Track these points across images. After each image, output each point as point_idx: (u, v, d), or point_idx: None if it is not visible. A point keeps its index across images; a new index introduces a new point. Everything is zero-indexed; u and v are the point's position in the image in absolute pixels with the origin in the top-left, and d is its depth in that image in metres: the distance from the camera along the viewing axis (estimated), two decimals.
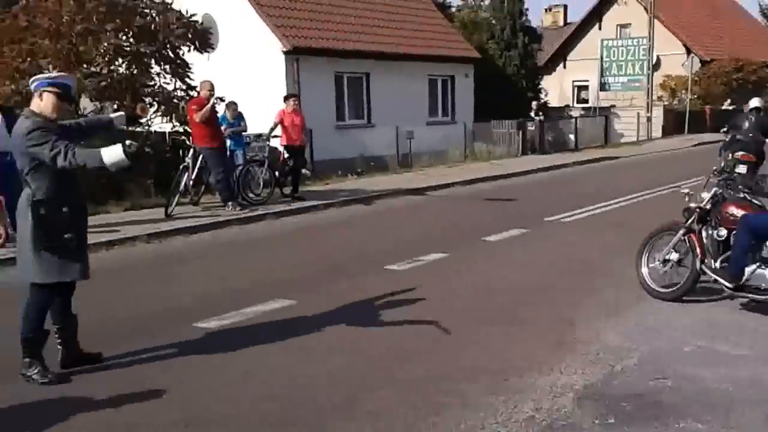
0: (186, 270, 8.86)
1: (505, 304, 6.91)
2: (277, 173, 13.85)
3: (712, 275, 6.66)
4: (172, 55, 15.20)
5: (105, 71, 14.31)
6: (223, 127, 13.08)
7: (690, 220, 6.95)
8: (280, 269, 8.70)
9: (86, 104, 14.56)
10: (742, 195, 6.75)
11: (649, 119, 31.26)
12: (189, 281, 8.21)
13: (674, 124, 32.73)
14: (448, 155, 22.22)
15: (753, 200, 6.69)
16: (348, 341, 5.91)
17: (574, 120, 28.63)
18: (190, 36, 15.20)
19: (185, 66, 15.41)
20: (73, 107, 12.35)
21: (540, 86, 33.96)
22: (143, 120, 5.73)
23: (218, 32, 19.31)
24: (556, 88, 40.04)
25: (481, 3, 37.09)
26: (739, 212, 6.55)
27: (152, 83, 14.90)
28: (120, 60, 14.68)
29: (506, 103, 28.30)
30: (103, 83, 13.87)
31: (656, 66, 33.54)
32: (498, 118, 25.60)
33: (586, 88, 39.60)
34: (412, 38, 24.26)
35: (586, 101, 38.33)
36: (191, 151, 12.50)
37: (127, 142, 5.03)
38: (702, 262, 6.70)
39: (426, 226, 11.79)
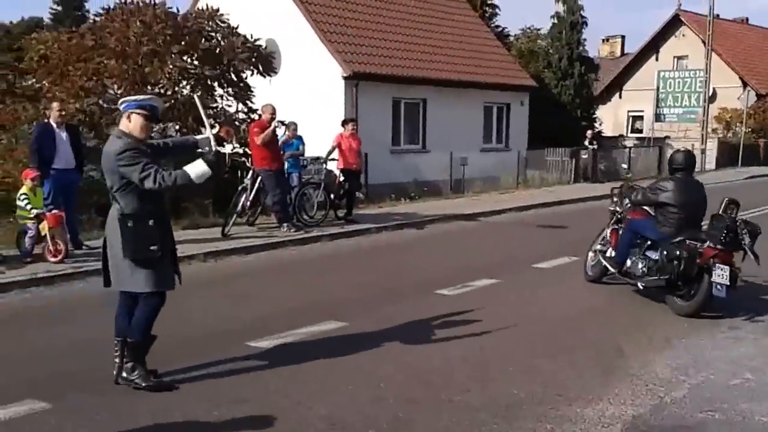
0: (241, 289, 8.98)
1: (556, 332, 6.96)
2: (332, 196, 14.01)
3: (604, 261, 8.73)
4: (235, 79, 15.43)
5: (169, 92, 14.50)
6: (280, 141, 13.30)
7: (611, 221, 9.14)
8: (333, 291, 8.80)
9: None
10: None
11: (703, 151, 30.84)
12: (244, 300, 8.32)
13: (728, 156, 32.29)
14: (500, 182, 22.24)
15: (648, 209, 8.31)
16: (399, 363, 5.98)
17: (627, 150, 28.44)
18: (253, 60, 15.41)
19: (248, 89, 15.64)
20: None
21: (595, 115, 33.84)
22: (229, 144, 5.97)
23: (281, 56, 19.72)
24: (610, 118, 39.88)
25: (539, 32, 37.24)
26: (630, 217, 8.50)
27: (215, 105, 15.09)
28: (184, 82, 14.92)
29: (560, 131, 28.30)
30: (167, 104, 13.95)
31: (712, 98, 33.11)
32: (552, 146, 25.62)
33: (640, 118, 39.30)
34: (470, 66, 24.44)
35: (641, 131, 38.00)
36: (250, 172, 12.71)
37: (206, 149, 5.44)
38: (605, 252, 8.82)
39: (477, 251, 11.84)
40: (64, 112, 11.03)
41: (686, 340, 6.71)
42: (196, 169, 5.27)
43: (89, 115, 14.11)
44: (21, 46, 17.42)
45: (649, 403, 5.16)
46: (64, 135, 10.46)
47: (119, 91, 14.25)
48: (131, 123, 5.35)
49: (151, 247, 5.25)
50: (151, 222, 5.29)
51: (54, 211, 9.86)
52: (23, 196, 9.87)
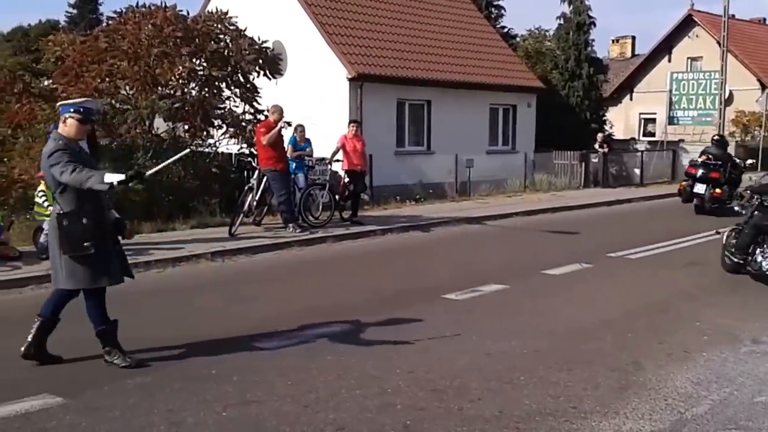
0: (247, 290, 8.93)
1: (568, 342, 6.75)
2: (337, 197, 14.02)
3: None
4: (242, 80, 15.60)
5: (179, 93, 14.75)
6: (290, 148, 13.32)
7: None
8: (340, 293, 8.73)
9: (159, 125, 15.00)
10: None
11: None
12: (250, 301, 8.29)
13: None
14: (507, 185, 22.04)
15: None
16: (406, 370, 5.84)
17: (639, 153, 27.91)
18: (260, 62, 15.57)
19: (254, 90, 15.81)
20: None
21: (605, 117, 33.45)
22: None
23: (287, 58, 19.76)
24: (621, 120, 39.39)
25: (546, 33, 37.00)
26: None
27: (222, 106, 15.31)
28: (193, 83, 15.13)
29: (569, 134, 27.99)
30: (176, 105, 14.33)
31: (729, 101, 32.46)
32: (560, 148, 25.33)
33: (653, 120, 38.84)
34: (476, 67, 24.27)
35: (653, 134, 37.61)
36: (256, 172, 12.73)
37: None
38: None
39: (484, 255, 11.70)
40: None
41: (707, 353, 6.42)
42: (113, 177, 5.42)
43: (103, 115, 14.39)
44: (38, 47, 17.68)
45: (668, 418, 4.95)
46: None
47: (131, 92, 14.62)
48: (67, 126, 5.67)
49: (84, 244, 5.54)
50: (84, 221, 5.55)
51: None
52: (41, 194, 10.10)
